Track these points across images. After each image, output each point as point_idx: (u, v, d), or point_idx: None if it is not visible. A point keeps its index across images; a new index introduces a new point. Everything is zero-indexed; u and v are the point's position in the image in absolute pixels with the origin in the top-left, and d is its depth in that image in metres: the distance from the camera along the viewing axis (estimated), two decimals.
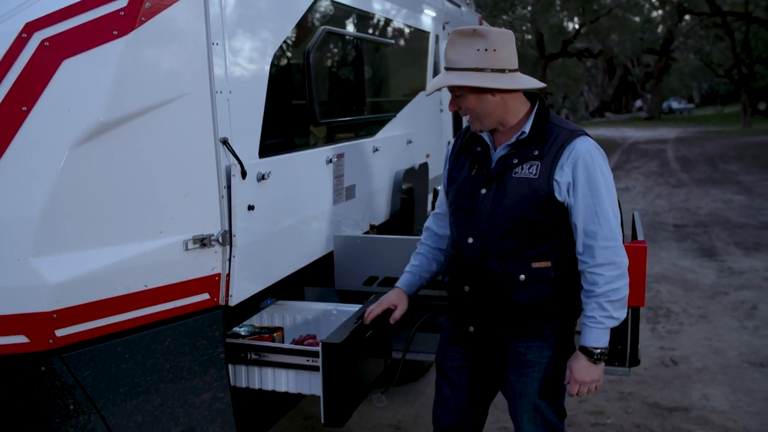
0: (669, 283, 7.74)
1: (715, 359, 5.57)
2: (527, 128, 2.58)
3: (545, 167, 2.53)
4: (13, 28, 2.33)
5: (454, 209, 2.73)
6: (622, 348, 3.30)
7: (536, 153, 2.55)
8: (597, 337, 2.56)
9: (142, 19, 2.42)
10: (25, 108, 2.28)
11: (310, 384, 2.83)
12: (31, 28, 2.33)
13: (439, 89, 2.61)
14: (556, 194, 2.52)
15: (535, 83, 2.64)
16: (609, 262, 2.52)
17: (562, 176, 2.51)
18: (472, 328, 2.73)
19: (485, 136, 2.67)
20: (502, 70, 2.52)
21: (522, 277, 2.56)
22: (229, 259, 2.74)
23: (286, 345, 2.94)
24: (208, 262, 2.69)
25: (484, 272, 2.61)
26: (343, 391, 2.74)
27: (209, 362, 2.71)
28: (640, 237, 3.49)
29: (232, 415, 2.77)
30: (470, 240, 2.63)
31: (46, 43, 2.33)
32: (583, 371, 2.60)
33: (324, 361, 2.69)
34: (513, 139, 2.59)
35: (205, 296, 2.70)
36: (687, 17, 38.65)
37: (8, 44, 2.31)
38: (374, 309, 2.89)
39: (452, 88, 2.57)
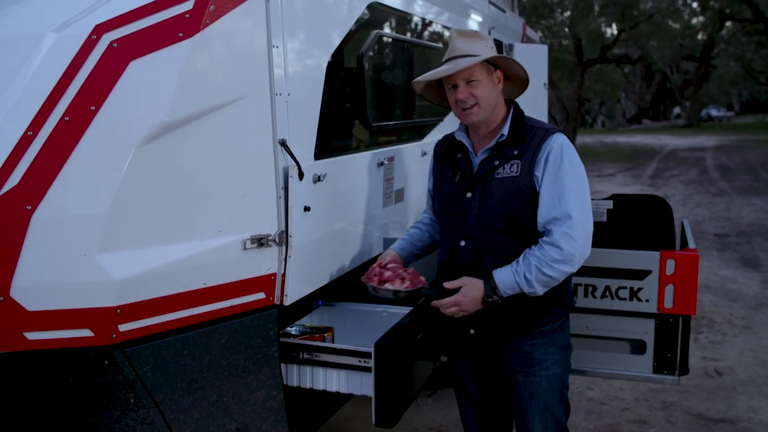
0: (711, 293, 7.64)
1: (761, 371, 5.48)
2: (506, 131, 2.72)
3: (525, 164, 2.66)
4: (84, 30, 2.40)
5: (443, 216, 2.85)
6: (672, 356, 3.29)
7: (516, 153, 2.68)
8: (504, 279, 2.60)
9: (207, 21, 2.47)
10: (93, 108, 2.34)
11: (362, 385, 2.86)
12: (100, 30, 2.40)
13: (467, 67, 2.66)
14: (537, 188, 2.64)
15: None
16: (556, 245, 2.56)
17: (539, 170, 2.64)
18: (472, 331, 2.81)
19: (465, 140, 2.79)
20: None
21: None
22: (285, 259, 2.78)
23: (339, 345, 2.96)
24: (265, 262, 2.73)
25: (480, 272, 2.68)
26: (394, 393, 2.76)
27: (263, 361, 2.75)
28: (691, 245, 3.45)
29: (285, 414, 2.80)
30: (462, 243, 2.73)
31: (115, 45, 2.39)
32: (470, 298, 2.64)
33: (376, 363, 2.71)
34: (493, 143, 2.72)
35: (261, 295, 2.74)
36: (728, 24, 38.06)
37: (79, 45, 2.37)
38: (379, 269, 2.94)
39: (468, 75, 2.66)
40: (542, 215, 2.63)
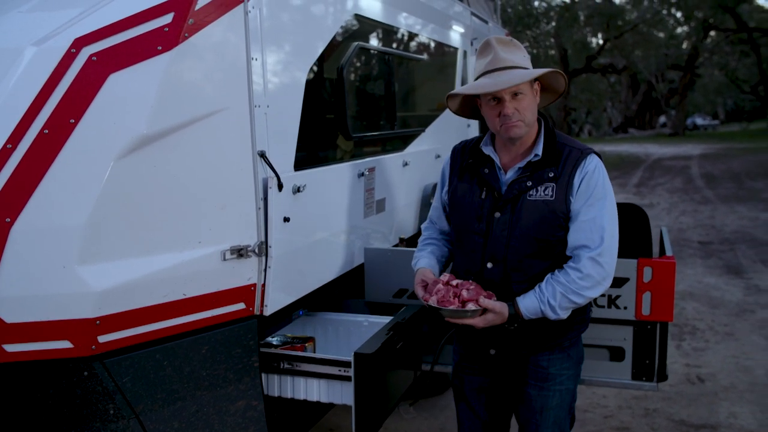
0: (694, 300, 7.70)
1: (743, 377, 5.53)
2: (539, 150, 2.60)
3: (561, 189, 2.55)
4: (63, 43, 2.42)
5: (464, 233, 2.71)
6: (650, 363, 3.32)
7: (551, 175, 2.57)
8: (529, 306, 2.54)
9: (186, 35, 2.49)
10: (72, 120, 2.36)
11: (342, 394, 2.87)
12: (79, 43, 2.42)
13: (532, 79, 2.55)
14: (572, 213, 2.56)
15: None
16: (583, 272, 2.51)
17: (574, 194, 2.55)
18: (493, 351, 2.74)
19: (493, 154, 2.67)
20: None
21: None
22: (265, 270, 2.80)
23: (319, 355, 2.98)
24: (245, 273, 2.75)
25: (506, 294, 2.60)
26: (374, 402, 2.78)
27: (244, 371, 2.76)
28: (669, 253, 3.50)
29: (265, 424, 2.82)
30: (490, 265, 2.62)
31: (94, 58, 2.41)
32: (496, 320, 2.54)
33: (356, 372, 2.73)
34: (524, 162, 2.60)
35: (241, 306, 2.76)
36: (712, 33, 38.48)
37: (58, 59, 2.39)
38: (421, 293, 2.72)
39: (516, 88, 2.52)
40: (574, 240, 2.56)
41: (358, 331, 3.35)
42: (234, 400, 2.74)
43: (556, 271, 2.57)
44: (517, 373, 2.77)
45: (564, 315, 2.55)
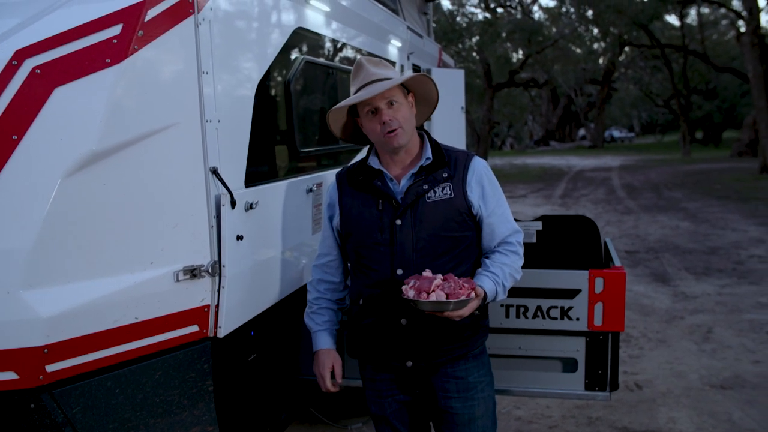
0: (626, 308, 7.84)
1: (678, 383, 5.68)
2: (429, 154, 2.70)
3: (457, 187, 2.67)
4: (3, 55, 2.28)
5: (366, 247, 2.71)
6: (603, 373, 3.35)
7: (446, 175, 2.67)
8: (490, 288, 2.61)
9: (135, 47, 2.39)
10: (15, 137, 2.23)
11: None
12: (21, 55, 2.29)
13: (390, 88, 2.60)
14: (473, 210, 2.68)
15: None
16: (519, 254, 2.75)
17: (472, 192, 2.68)
18: (410, 363, 2.70)
19: (381, 168, 2.71)
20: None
21: None
22: (218, 290, 2.70)
23: None
24: (198, 294, 2.64)
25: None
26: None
27: (198, 396, 2.66)
28: (617, 263, 3.55)
29: None
30: (399, 271, 2.63)
31: (38, 71, 2.29)
32: (476, 306, 2.56)
33: None
34: (417, 167, 2.68)
35: (195, 328, 2.65)
36: (627, 49, 39.87)
37: None
38: (328, 381, 2.84)
39: (390, 97, 2.61)
40: (498, 235, 2.72)
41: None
42: (188, 427, 2.63)
43: (491, 256, 2.72)
44: (437, 390, 2.74)
45: (506, 295, 2.70)
